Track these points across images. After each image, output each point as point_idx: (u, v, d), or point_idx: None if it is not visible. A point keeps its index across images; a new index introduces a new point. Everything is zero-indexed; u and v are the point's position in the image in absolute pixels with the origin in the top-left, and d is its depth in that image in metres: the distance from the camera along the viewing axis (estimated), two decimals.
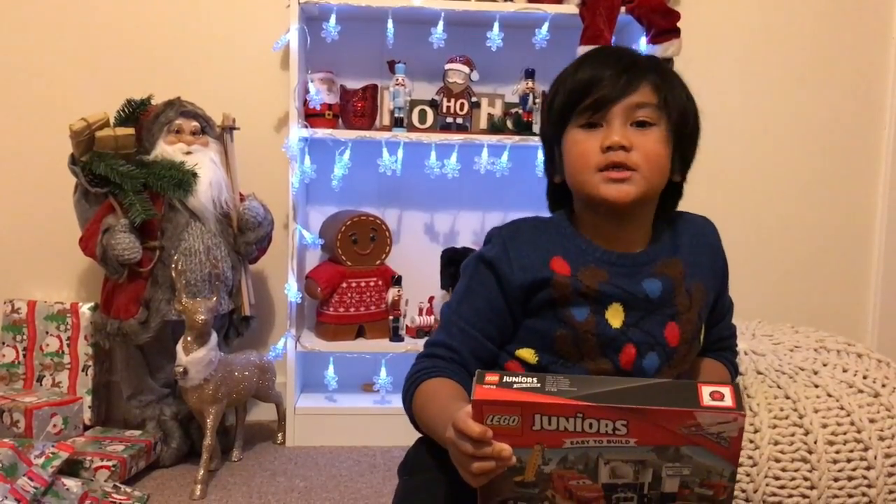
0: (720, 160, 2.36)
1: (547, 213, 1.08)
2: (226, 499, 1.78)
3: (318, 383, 2.22)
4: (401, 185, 2.31)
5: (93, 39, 2.23)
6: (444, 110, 2.17)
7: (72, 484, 1.60)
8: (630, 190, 0.95)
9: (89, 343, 2.13)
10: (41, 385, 2.12)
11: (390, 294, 2.19)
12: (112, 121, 1.97)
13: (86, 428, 2.03)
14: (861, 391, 1.18)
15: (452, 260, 2.10)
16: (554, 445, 0.78)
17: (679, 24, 2.09)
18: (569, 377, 0.79)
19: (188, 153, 1.98)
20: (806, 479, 1.11)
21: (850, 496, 1.11)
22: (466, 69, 2.16)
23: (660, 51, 2.07)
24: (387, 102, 2.17)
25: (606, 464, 0.79)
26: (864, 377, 1.22)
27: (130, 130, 1.96)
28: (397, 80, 2.12)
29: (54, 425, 1.89)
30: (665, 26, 2.09)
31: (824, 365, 1.26)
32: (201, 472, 1.81)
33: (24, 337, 2.15)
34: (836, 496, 1.11)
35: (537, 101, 2.17)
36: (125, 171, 1.90)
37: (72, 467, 1.73)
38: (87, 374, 2.12)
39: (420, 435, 1.03)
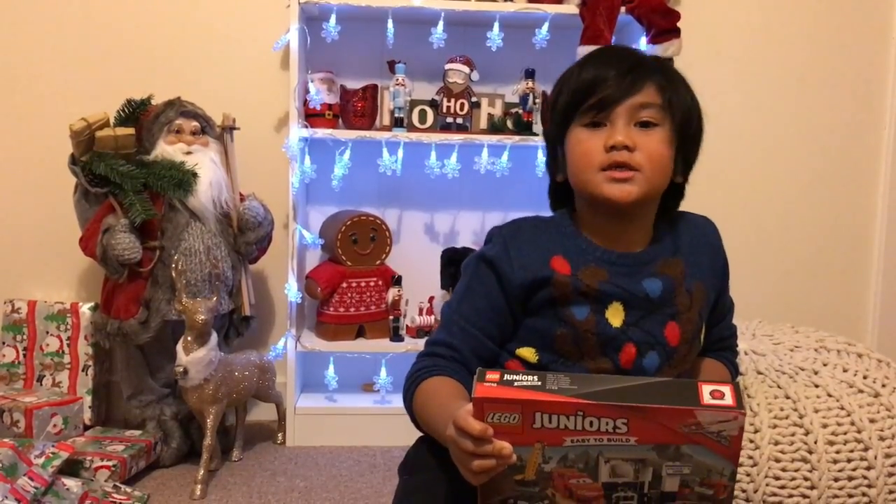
0: (720, 160, 2.36)
1: (547, 213, 1.09)
2: (226, 499, 1.78)
3: (319, 383, 2.22)
4: (401, 185, 2.31)
5: (93, 39, 2.23)
6: (445, 110, 2.17)
7: (72, 484, 1.60)
8: (633, 190, 0.95)
9: (89, 343, 2.13)
10: (41, 385, 2.12)
11: (390, 294, 2.19)
12: (112, 121, 1.97)
13: (86, 428, 2.03)
14: (861, 391, 1.18)
15: (452, 260, 2.10)
16: (554, 444, 0.78)
17: (679, 24, 2.09)
18: (569, 375, 0.79)
19: (188, 153, 1.98)
20: (806, 479, 1.11)
21: (851, 496, 1.11)
22: (466, 69, 2.16)
23: (660, 51, 2.07)
24: (387, 102, 2.17)
25: (607, 462, 0.79)
26: (865, 377, 1.22)
27: (130, 130, 1.96)
28: (397, 80, 2.12)
29: (54, 425, 1.89)
30: (665, 26, 2.09)
31: (824, 365, 1.26)
32: (201, 472, 1.81)
33: (25, 337, 2.15)
34: (836, 496, 1.11)
35: (537, 101, 2.17)
36: (125, 171, 1.90)
37: (72, 467, 1.73)
38: (87, 374, 2.12)
39: (420, 434, 1.04)
